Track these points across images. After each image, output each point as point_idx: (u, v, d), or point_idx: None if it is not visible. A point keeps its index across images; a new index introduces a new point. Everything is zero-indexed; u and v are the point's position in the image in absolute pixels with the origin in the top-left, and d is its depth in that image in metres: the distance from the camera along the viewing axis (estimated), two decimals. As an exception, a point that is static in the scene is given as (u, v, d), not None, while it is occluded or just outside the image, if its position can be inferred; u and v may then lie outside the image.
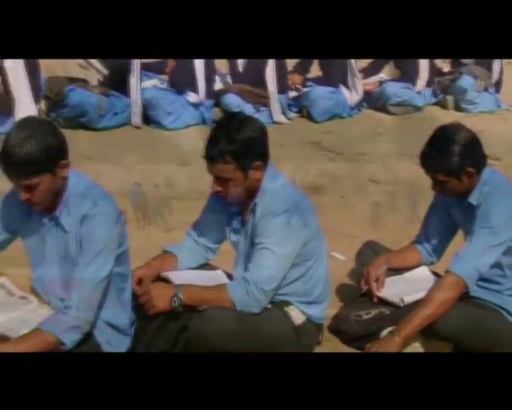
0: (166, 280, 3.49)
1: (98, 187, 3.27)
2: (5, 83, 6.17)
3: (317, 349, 3.64)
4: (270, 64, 6.82)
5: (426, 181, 3.71)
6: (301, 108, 7.15)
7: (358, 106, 7.28)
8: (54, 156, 3.04)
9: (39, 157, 2.97)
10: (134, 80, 6.48)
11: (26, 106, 6.08)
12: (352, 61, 6.99)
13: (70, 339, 3.06)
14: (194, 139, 6.19)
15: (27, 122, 3.14)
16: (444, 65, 7.96)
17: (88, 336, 3.16)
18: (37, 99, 6.30)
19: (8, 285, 3.41)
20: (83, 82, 6.52)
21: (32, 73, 6.24)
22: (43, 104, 6.40)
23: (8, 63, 6.04)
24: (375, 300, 3.77)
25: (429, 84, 7.46)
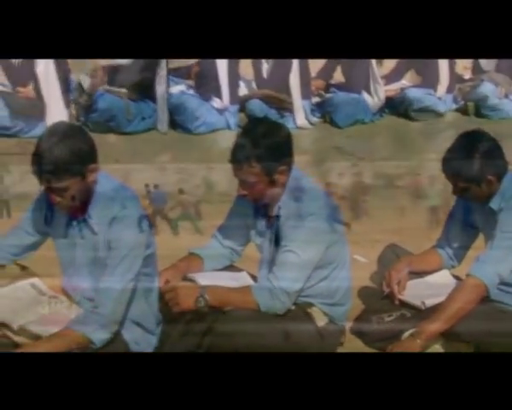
0: (192, 282, 3.52)
1: (127, 189, 3.33)
2: (37, 88, 6.28)
3: (339, 350, 3.64)
4: (294, 70, 6.85)
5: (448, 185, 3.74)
6: (324, 113, 7.17)
7: (380, 112, 7.30)
8: (83, 160, 3.10)
9: (69, 161, 3.04)
10: (161, 87, 6.52)
11: (56, 110, 6.19)
12: (375, 67, 7.00)
13: (99, 338, 3.10)
14: (221, 143, 6.23)
15: (58, 127, 3.21)
16: (465, 72, 7.93)
17: (116, 336, 3.20)
18: (67, 104, 6.40)
19: (40, 285, 3.42)
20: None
21: (63, 78, 6.34)
22: (73, 109, 6.49)
23: (40, 68, 6.15)
24: (397, 302, 3.77)
25: (450, 90, 7.42)
